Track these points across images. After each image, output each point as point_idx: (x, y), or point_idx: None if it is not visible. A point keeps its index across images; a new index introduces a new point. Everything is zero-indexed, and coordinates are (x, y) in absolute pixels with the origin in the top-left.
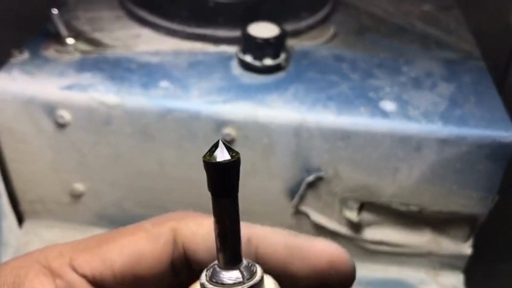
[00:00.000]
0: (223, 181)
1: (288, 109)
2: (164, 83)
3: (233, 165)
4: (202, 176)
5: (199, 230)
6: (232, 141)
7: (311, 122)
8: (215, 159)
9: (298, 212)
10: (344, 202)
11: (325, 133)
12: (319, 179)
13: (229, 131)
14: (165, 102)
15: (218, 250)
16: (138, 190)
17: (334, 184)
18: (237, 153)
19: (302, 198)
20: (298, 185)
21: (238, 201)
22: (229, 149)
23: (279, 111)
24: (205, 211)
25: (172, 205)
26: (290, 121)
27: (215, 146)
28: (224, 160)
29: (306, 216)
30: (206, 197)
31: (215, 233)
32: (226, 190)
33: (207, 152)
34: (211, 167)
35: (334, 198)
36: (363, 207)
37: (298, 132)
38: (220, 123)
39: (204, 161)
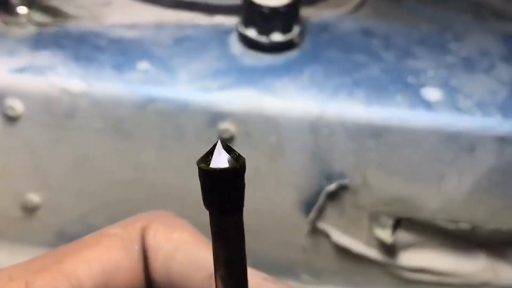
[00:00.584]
0: (224, 194)
1: (303, 98)
2: (143, 65)
3: (237, 174)
4: (193, 185)
5: (165, 244)
6: (230, 139)
7: (332, 115)
8: (214, 166)
9: (315, 231)
10: (374, 218)
11: (351, 129)
12: (342, 189)
13: (226, 126)
14: (145, 89)
15: (218, 280)
16: (109, 202)
17: (362, 195)
18: (242, 158)
19: (320, 213)
20: (315, 196)
21: (242, 220)
22: (231, 153)
23: (291, 101)
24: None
25: None
26: (305, 113)
27: (213, 148)
28: (226, 167)
29: (326, 235)
30: (198, 211)
31: (214, 261)
32: (227, 206)
33: (202, 157)
34: (209, 176)
35: (361, 212)
36: (399, 224)
37: (316, 128)
38: (215, 117)
39: (199, 169)
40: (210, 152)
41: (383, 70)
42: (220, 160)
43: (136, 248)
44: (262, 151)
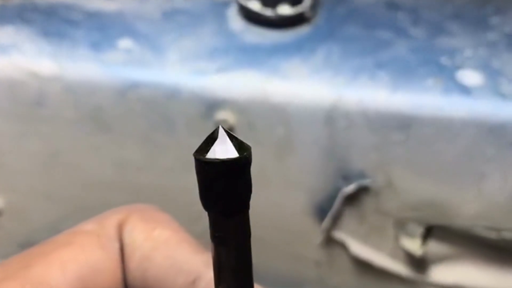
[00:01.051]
0: (229, 190)
1: (316, 83)
2: (125, 43)
3: (243, 165)
4: (184, 186)
5: (143, 243)
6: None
7: (351, 103)
8: (215, 157)
9: (330, 241)
10: (401, 226)
11: (373, 120)
12: (362, 191)
13: (224, 116)
14: (127, 72)
15: None
16: (84, 207)
17: (386, 198)
18: (247, 146)
19: (336, 220)
20: (330, 199)
21: (249, 221)
22: (235, 140)
23: (301, 86)
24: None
25: None
26: (318, 101)
27: (213, 136)
28: (231, 158)
29: (343, 246)
30: (191, 218)
31: (216, 271)
32: (233, 204)
33: (201, 146)
34: (209, 169)
35: (386, 219)
36: (430, 233)
37: (331, 119)
38: (211, 105)
39: (197, 160)
40: (210, 140)
41: (411, 49)
42: (224, 149)
43: (115, 246)
44: (267, 146)
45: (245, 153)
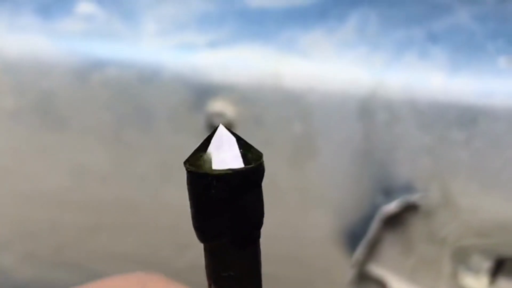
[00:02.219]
0: (235, 213)
1: (346, 63)
2: (85, 7)
3: (253, 179)
4: (166, 199)
5: None
6: (227, 128)
7: (394, 90)
8: (215, 168)
9: (364, 278)
10: (461, 259)
11: (424, 113)
12: (409, 210)
13: (220, 108)
14: (88, 47)
15: None
16: (28, 231)
17: (441, 221)
18: (258, 153)
19: (373, 250)
20: (365, 222)
21: (260, 259)
22: (242, 145)
23: (326, 67)
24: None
25: (100, 262)
26: (349, 87)
27: (211, 139)
28: (238, 169)
29: (381, 286)
30: (176, 243)
31: None
32: (241, 232)
33: (194, 153)
34: (206, 184)
35: (440, 249)
36: (501, 268)
37: (368, 111)
38: (202, 92)
39: (189, 172)
40: (208, 145)
41: (476, 17)
42: (227, 157)
43: None
44: (280, 149)
45: (257, 163)
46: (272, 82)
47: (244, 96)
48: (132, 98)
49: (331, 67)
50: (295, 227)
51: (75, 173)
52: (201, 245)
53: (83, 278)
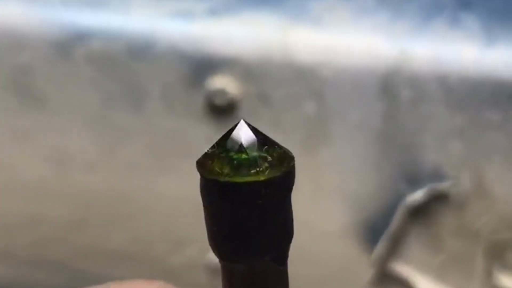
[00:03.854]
0: (264, 226)
1: (365, 32)
2: None
3: (285, 187)
4: (161, 190)
5: None
6: (229, 108)
7: (420, 63)
8: (237, 174)
9: (386, 277)
10: (497, 255)
11: (455, 90)
12: (438, 200)
13: (222, 84)
14: (70, 16)
15: None
16: (4, 226)
17: (474, 212)
18: (290, 155)
19: (396, 245)
20: (387, 214)
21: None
22: (269, 145)
23: (342, 37)
24: None
25: (86, 260)
26: (369, 60)
27: (230, 137)
28: (269, 178)
29: (405, 285)
30: (171, 240)
31: None
32: (269, 250)
33: (209, 153)
34: (232, 194)
35: (473, 244)
36: None
37: (390, 88)
38: (202, 67)
39: (205, 179)
40: (225, 144)
41: None
42: (254, 160)
43: None
44: (290, 132)
45: (288, 167)
46: (281, 55)
47: (249, 71)
48: (121, 74)
49: (348, 37)
50: (307, 220)
51: (56, 160)
52: (199, 240)
53: (65, 279)
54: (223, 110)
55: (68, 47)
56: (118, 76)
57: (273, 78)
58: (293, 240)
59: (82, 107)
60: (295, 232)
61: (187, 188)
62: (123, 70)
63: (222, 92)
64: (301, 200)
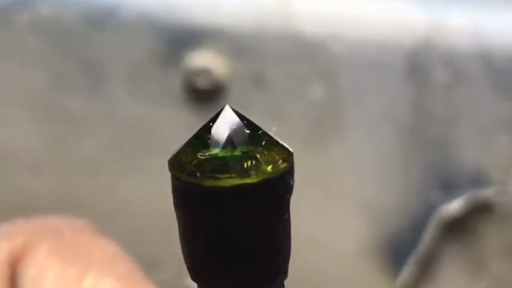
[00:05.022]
0: (255, 241)
1: None
2: None
3: (282, 191)
4: (126, 196)
5: (38, 284)
6: (214, 93)
7: (458, 36)
8: (219, 176)
9: None
10: None
11: (502, 70)
12: (479, 212)
13: (205, 61)
14: None
15: None
16: None
17: None
18: (288, 152)
19: (428, 267)
20: (416, 228)
21: None
22: (259, 138)
23: (356, 3)
24: None
25: None
26: (393, 33)
27: (213, 128)
28: (253, 180)
29: None
30: (144, 259)
31: None
32: (263, 269)
33: (186, 149)
34: (207, 201)
35: None
36: None
37: (419, 68)
38: (179, 39)
39: (177, 182)
40: (208, 136)
41: None
42: (240, 158)
43: None
44: (293, 123)
45: (284, 167)
46: (280, 25)
47: (240, 45)
48: (75, 48)
49: (365, 3)
50: (316, 237)
51: None
52: (175, 259)
53: None
54: (206, 94)
55: (9, 14)
56: (71, 51)
57: (270, 54)
58: (301, 262)
59: (25, 89)
60: (303, 252)
61: (158, 192)
62: (78, 43)
63: (205, 72)
64: (308, 210)
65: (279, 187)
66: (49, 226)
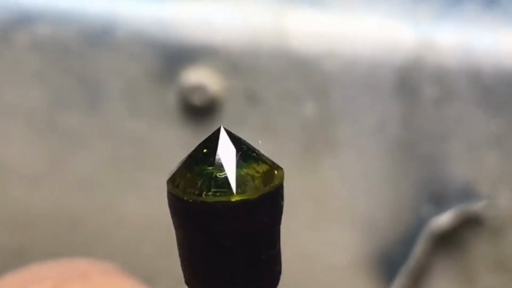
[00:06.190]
0: (248, 254)
1: (379, 14)
2: None
3: (275, 209)
4: (124, 211)
5: None
6: (208, 110)
7: (447, 53)
8: (213, 193)
9: None
10: None
11: (490, 86)
12: (469, 225)
13: (200, 79)
14: None
15: None
16: None
17: None
18: (277, 167)
19: (418, 278)
20: (406, 242)
21: None
22: (254, 156)
23: (349, 21)
24: None
25: None
26: (384, 50)
27: (209, 147)
28: (248, 197)
29: None
30: (141, 270)
31: None
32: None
33: (184, 168)
34: (203, 216)
35: None
36: None
37: (410, 85)
38: (175, 57)
39: (173, 198)
40: (204, 155)
41: None
42: (235, 174)
43: None
44: (286, 139)
45: (278, 182)
46: (273, 43)
47: (234, 63)
48: (73, 66)
49: (357, 22)
50: (308, 251)
51: None
52: (171, 274)
53: None
54: (201, 111)
55: (9, 33)
56: (69, 69)
57: (264, 72)
58: (294, 275)
59: (24, 106)
60: (296, 266)
61: (155, 207)
62: (76, 61)
63: (200, 89)
64: (300, 225)
65: (274, 201)
66: (77, 269)
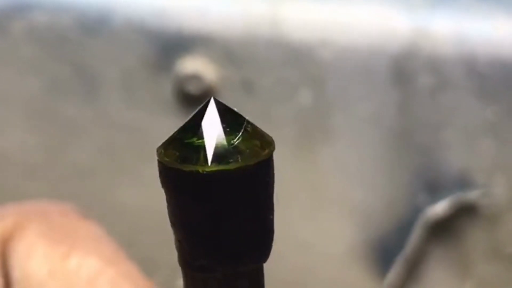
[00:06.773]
0: (240, 222)
1: (374, 3)
2: None
3: (262, 176)
4: (121, 200)
5: (48, 283)
6: (206, 97)
7: (443, 42)
8: (212, 161)
9: None
10: None
11: (486, 75)
12: (465, 214)
13: (196, 67)
14: None
15: None
16: None
17: (510, 228)
18: (269, 139)
19: (414, 268)
20: (402, 231)
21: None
22: (245, 127)
23: (344, 10)
24: None
25: None
26: (379, 38)
27: (200, 116)
28: (240, 165)
29: None
30: (138, 261)
31: None
32: (247, 249)
33: (175, 138)
34: (202, 187)
35: (509, 268)
36: None
37: (405, 73)
38: (170, 46)
39: (163, 166)
40: (192, 126)
41: None
42: (226, 145)
43: None
44: (281, 128)
45: (264, 154)
46: (269, 32)
47: (229, 52)
48: (69, 55)
49: (352, 10)
50: (304, 240)
51: None
52: (168, 263)
53: None
54: (197, 99)
55: (3, 20)
56: (65, 57)
57: (259, 60)
58: (290, 264)
59: (20, 95)
60: (292, 255)
61: (151, 196)
62: (72, 50)
63: (195, 78)
64: (296, 213)
65: (262, 173)
66: (37, 209)
